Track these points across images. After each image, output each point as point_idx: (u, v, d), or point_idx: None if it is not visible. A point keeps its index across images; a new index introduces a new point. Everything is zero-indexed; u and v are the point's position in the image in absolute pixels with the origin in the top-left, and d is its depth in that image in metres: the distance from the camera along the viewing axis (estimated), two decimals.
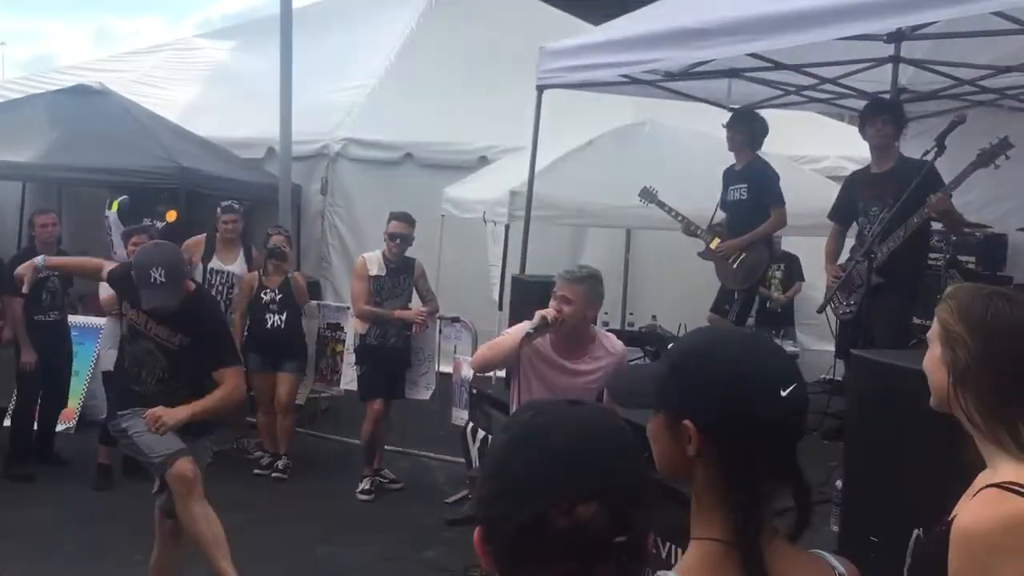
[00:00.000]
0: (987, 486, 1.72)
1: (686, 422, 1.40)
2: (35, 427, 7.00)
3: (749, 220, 6.40)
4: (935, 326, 1.90)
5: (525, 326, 4.05)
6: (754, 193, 6.38)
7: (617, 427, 1.19)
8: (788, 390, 1.38)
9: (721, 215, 6.63)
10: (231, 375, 4.42)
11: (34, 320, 6.74)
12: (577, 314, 4.03)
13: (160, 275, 4.11)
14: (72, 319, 7.58)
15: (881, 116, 5.45)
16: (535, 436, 1.17)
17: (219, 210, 7.29)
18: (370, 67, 10.66)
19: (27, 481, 6.53)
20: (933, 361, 1.89)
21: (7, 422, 7.01)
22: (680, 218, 6.61)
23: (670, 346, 1.65)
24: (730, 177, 6.52)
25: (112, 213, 8.42)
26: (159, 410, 4.19)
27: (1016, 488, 1.69)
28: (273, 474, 6.99)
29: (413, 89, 10.03)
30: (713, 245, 6.50)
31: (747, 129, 6.39)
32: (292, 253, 7.43)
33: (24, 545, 5.45)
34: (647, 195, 6.67)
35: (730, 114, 6.67)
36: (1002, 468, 1.75)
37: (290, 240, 7.45)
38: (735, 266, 6.40)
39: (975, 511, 1.70)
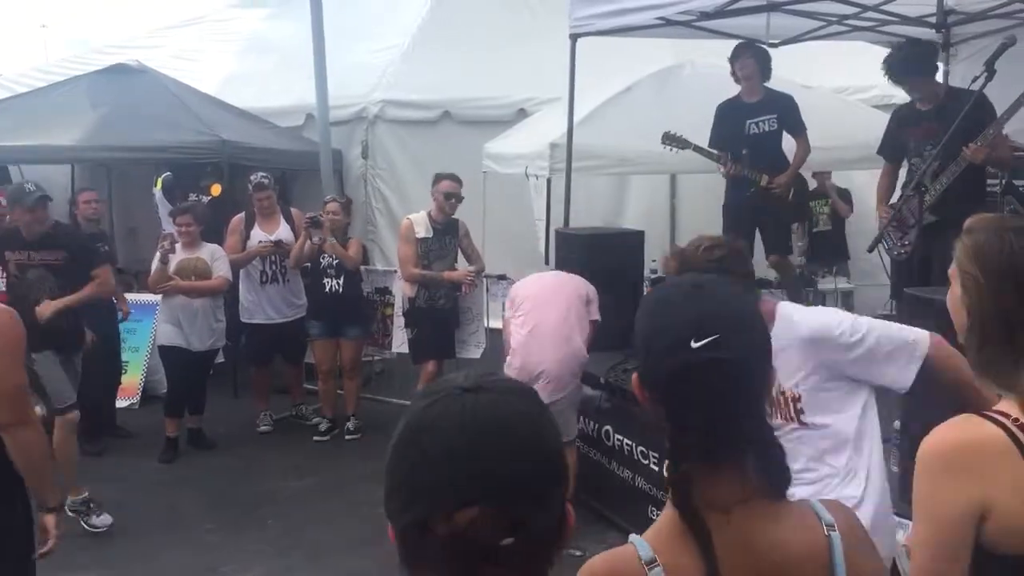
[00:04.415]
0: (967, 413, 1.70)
1: (634, 373, 1.46)
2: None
3: (777, 150, 6.43)
4: (954, 263, 1.83)
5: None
6: (784, 123, 6.40)
7: (514, 418, 1.10)
8: (702, 341, 1.35)
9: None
10: (101, 272, 5.84)
11: None
12: None
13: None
14: (130, 296, 7.72)
15: (908, 79, 5.26)
16: (420, 433, 1.09)
17: (251, 187, 7.32)
18: (402, 26, 10.55)
19: (97, 456, 6.71)
20: (954, 301, 1.83)
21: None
22: (724, 161, 6.47)
23: None
24: (745, 110, 6.43)
25: (157, 191, 8.54)
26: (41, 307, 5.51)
27: (995, 416, 1.66)
28: (346, 436, 7.12)
29: (447, 45, 9.92)
30: (763, 183, 6.39)
31: (762, 58, 6.37)
32: (345, 219, 7.46)
33: None
34: (674, 140, 6.43)
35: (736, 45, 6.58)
36: (1002, 404, 1.71)
37: (345, 207, 7.49)
38: (790, 199, 6.39)
39: (935, 431, 1.69)
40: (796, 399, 2.75)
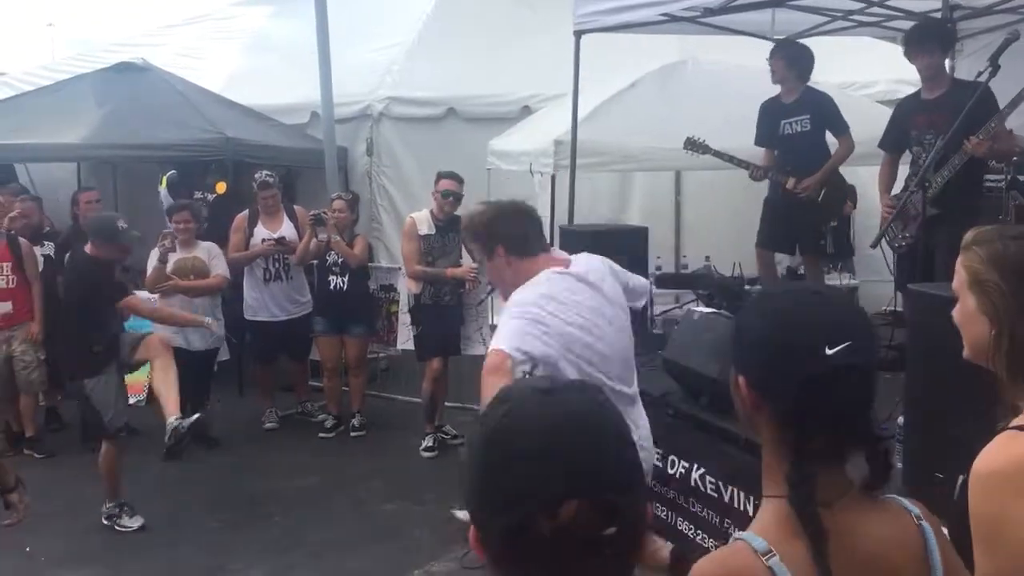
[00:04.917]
0: (1004, 428, 1.67)
1: (740, 378, 1.47)
2: None
3: (812, 151, 6.28)
4: (962, 276, 1.81)
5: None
6: (819, 123, 6.26)
7: (593, 411, 1.14)
8: (836, 349, 1.38)
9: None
10: None
11: None
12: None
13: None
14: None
15: (923, 46, 5.21)
16: (506, 438, 1.12)
17: (255, 186, 7.30)
18: (407, 23, 10.57)
19: None
20: (968, 314, 1.80)
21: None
22: (748, 166, 6.44)
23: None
24: (781, 110, 6.35)
25: (163, 189, 8.55)
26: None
27: None
28: (351, 433, 7.12)
29: (451, 42, 9.93)
30: (789, 185, 6.30)
31: (795, 58, 6.24)
32: (352, 215, 7.42)
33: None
34: (696, 146, 6.42)
35: (773, 45, 6.50)
36: None
37: (351, 204, 7.47)
38: (820, 201, 6.30)
39: (989, 452, 1.66)
40: None
